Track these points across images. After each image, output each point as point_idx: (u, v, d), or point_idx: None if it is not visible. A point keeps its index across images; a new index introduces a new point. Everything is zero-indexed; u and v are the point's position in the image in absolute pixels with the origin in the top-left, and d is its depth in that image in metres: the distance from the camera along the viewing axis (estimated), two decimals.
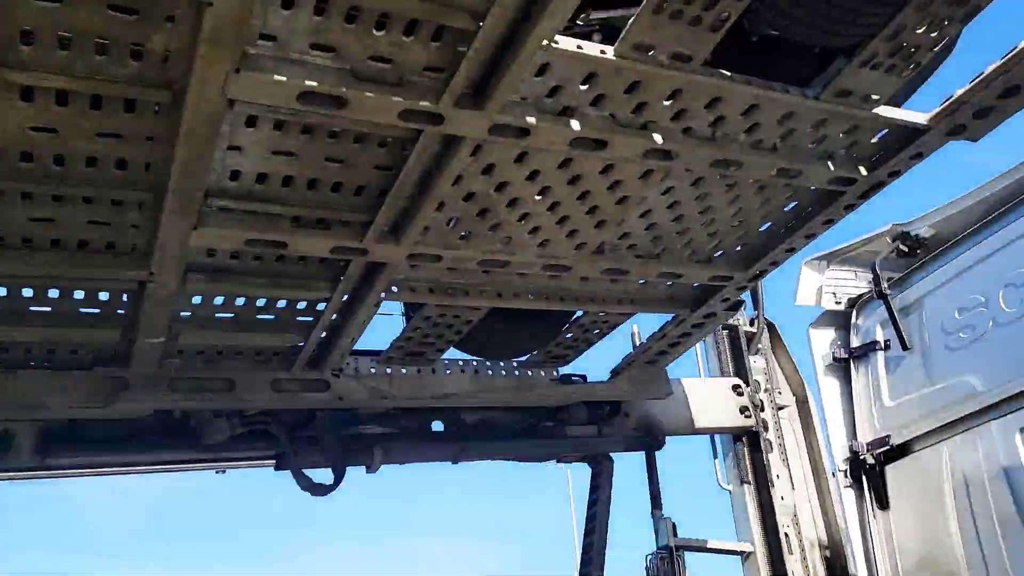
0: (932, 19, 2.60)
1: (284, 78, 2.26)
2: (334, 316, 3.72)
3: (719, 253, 3.94)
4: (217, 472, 4.59)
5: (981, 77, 2.89)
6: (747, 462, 5.59)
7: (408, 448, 4.62)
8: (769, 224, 3.75)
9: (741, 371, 5.73)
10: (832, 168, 3.25)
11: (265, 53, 2.25)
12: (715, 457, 5.73)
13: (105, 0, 2.00)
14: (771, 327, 5.91)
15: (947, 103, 3.02)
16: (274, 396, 3.99)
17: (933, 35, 2.68)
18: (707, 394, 5.49)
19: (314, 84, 2.30)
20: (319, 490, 4.11)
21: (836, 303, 5.67)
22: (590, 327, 4.45)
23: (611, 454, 5.26)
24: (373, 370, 4.34)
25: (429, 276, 3.65)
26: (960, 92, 2.97)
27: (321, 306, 3.66)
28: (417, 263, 3.37)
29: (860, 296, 5.68)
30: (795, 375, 5.90)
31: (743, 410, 5.54)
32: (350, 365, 4.28)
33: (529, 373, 4.78)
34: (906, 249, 5.37)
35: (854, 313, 5.71)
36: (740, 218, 3.64)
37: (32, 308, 3.20)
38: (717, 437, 5.74)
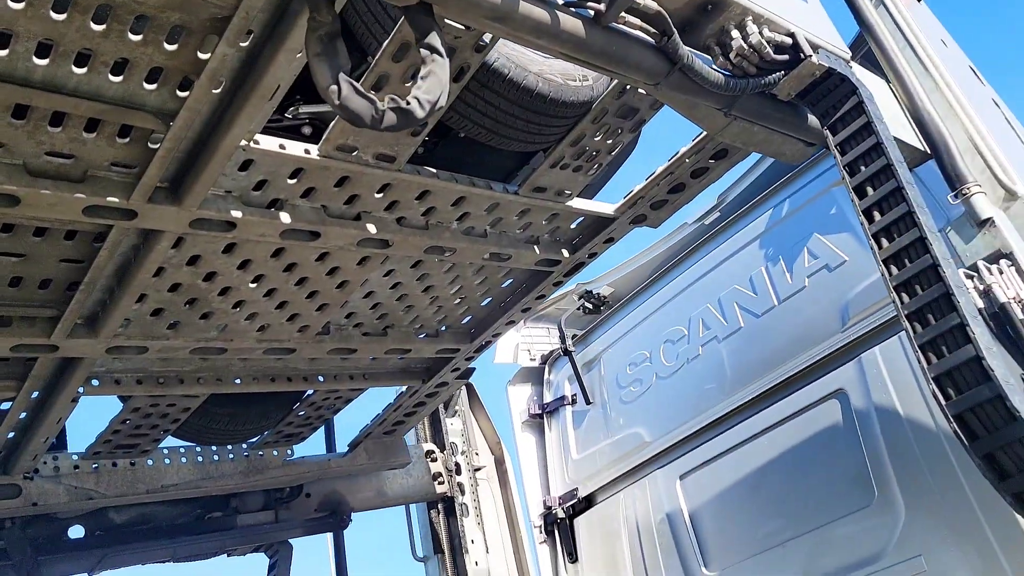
0: (607, 128, 2.97)
1: None
2: (22, 415, 3.32)
3: (444, 328, 4.10)
4: None
5: (652, 176, 3.32)
6: (442, 529, 5.45)
7: (26, 565, 3.86)
8: (489, 300, 3.98)
9: (438, 435, 5.58)
10: (538, 251, 3.53)
11: None
12: (410, 527, 5.51)
13: None
14: (469, 387, 5.79)
15: (628, 197, 3.43)
16: None
17: (609, 141, 3.05)
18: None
19: None
20: None
21: (531, 360, 5.82)
22: (322, 404, 4.39)
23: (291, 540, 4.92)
24: (77, 468, 3.91)
25: (135, 366, 3.40)
26: (637, 188, 3.39)
27: (6, 406, 3.25)
28: (119, 356, 3.12)
29: (551, 352, 5.88)
30: (492, 434, 5.82)
31: (436, 477, 5.41)
32: (47, 464, 3.82)
33: (261, 454, 4.59)
34: (590, 307, 5.73)
35: (546, 369, 5.89)
36: (462, 295, 3.82)
37: None
38: (413, 506, 5.52)
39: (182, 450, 4.31)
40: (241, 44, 2.02)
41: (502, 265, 3.58)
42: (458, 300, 3.86)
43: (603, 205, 3.50)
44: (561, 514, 5.42)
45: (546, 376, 5.89)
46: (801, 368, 4.18)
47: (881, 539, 3.67)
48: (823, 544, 3.90)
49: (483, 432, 5.80)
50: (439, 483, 5.44)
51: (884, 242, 2.39)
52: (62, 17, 1.84)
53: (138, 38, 1.96)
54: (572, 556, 5.34)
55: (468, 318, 4.11)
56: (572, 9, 2.03)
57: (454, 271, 3.60)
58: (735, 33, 2.32)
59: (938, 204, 3.27)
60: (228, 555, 4.80)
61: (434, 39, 1.57)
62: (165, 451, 4.23)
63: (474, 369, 4.74)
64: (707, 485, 4.58)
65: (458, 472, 5.57)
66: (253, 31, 2.01)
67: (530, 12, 1.92)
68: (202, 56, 2.06)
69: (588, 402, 5.44)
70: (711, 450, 4.58)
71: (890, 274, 2.35)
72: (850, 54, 2.69)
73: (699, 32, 2.35)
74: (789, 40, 2.42)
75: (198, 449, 4.35)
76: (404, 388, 4.59)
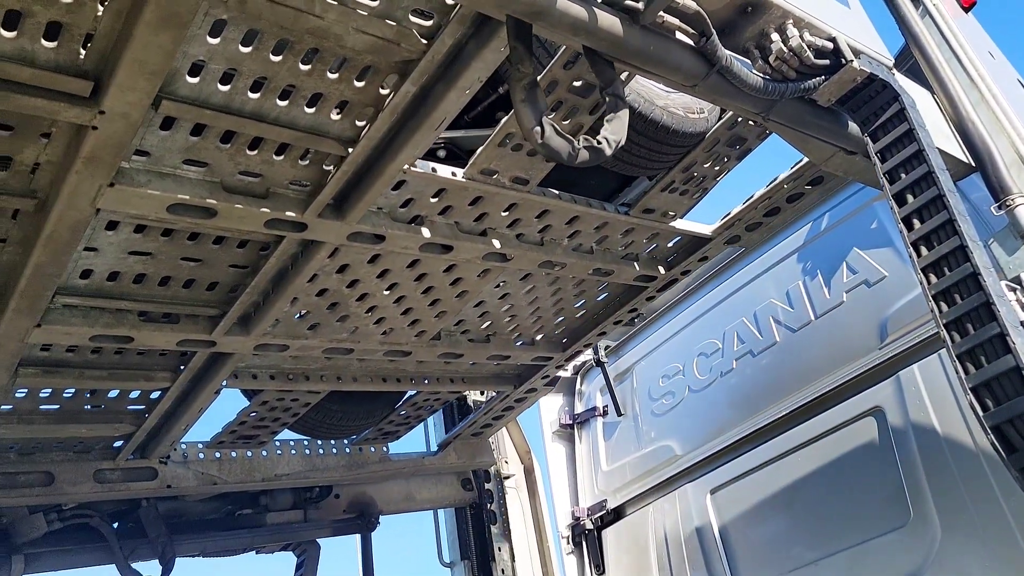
0: (716, 157, 3.21)
1: (156, 192, 2.36)
2: (168, 404, 3.67)
3: (540, 337, 4.36)
4: None
5: (751, 200, 3.55)
6: (469, 536, 5.45)
7: (65, 554, 4.03)
8: (584, 312, 4.24)
9: None
10: (638, 268, 3.78)
11: (139, 168, 2.34)
12: (437, 532, 5.54)
13: None
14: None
15: (725, 219, 3.66)
16: (97, 487, 3.81)
17: (716, 168, 3.30)
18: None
19: (186, 197, 2.42)
20: None
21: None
22: (422, 404, 4.69)
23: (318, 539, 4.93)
24: (202, 455, 4.27)
25: (271, 363, 3.73)
26: (735, 211, 3.62)
27: (156, 394, 3.61)
28: (262, 353, 3.46)
29: (584, 363, 5.79)
30: (522, 443, 5.81)
31: (465, 483, 5.45)
32: (177, 451, 4.18)
33: (360, 450, 4.90)
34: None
35: (578, 380, 5.84)
36: (560, 307, 4.09)
37: None
38: (441, 511, 5.57)
39: (291, 443, 4.65)
40: (420, 82, 2.32)
41: (603, 279, 3.84)
42: (556, 311, 4.13)
43: (701, 226, 3.74)
44: (589, 525, 5.37)
45: (578, 387, 5.85)
46: (837, 385, 4.08)
47: (916, 560, 3.57)
48: (857, 564, 3.81)
49: (513, 441, 5.82)
50: (468, 489, 5.49)
51: (923, 250, 2.32)
52: (278, 59, 2.16)
53: (335, 76, 2.27)
54: (599, 568, 5.28)
55: (562, 328, 4.37)
56: (610, 7, 1.96)
57: (557, 284, 3.86)
58: (775, 36, 2.26)
59: (981, 218, 3.22)
60: (257, 552, 4.81)
61: (618, 87, 1.84)
62: (277, 443, 4.56)
63: (559, 378, 5.00)
64: (738, 500, 4.51)
65: (487, 480, 5.61)
66: (429, 71, 2.31)
67: (567, 9, 1.88)
68: (383, 92, 2.37)
69: (620, 414, 5.41)
70: (743, 465, 4.51)
71: (929, 283, 2.27)
72: (892, 61, 2.65)
73: (738, 34, 2.30)
74: (830, 45, 2.37)
75: (305, 442, 4.68)
76: (495, 392, 4.87)
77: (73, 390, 3.34)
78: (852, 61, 2.38)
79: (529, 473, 5.76)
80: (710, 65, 2.13)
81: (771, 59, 2.27)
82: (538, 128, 1.72)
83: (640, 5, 1.96)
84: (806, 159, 3.23)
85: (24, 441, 3.60)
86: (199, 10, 1.89)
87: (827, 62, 2.37)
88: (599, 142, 1.77)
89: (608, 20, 1.96)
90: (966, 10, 3.50)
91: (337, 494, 4.96)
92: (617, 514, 5.32)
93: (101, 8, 1.86)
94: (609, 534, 5.33)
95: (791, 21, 2.28)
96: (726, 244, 3.81)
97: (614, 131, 1.79)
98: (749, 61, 2.31)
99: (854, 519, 3.88)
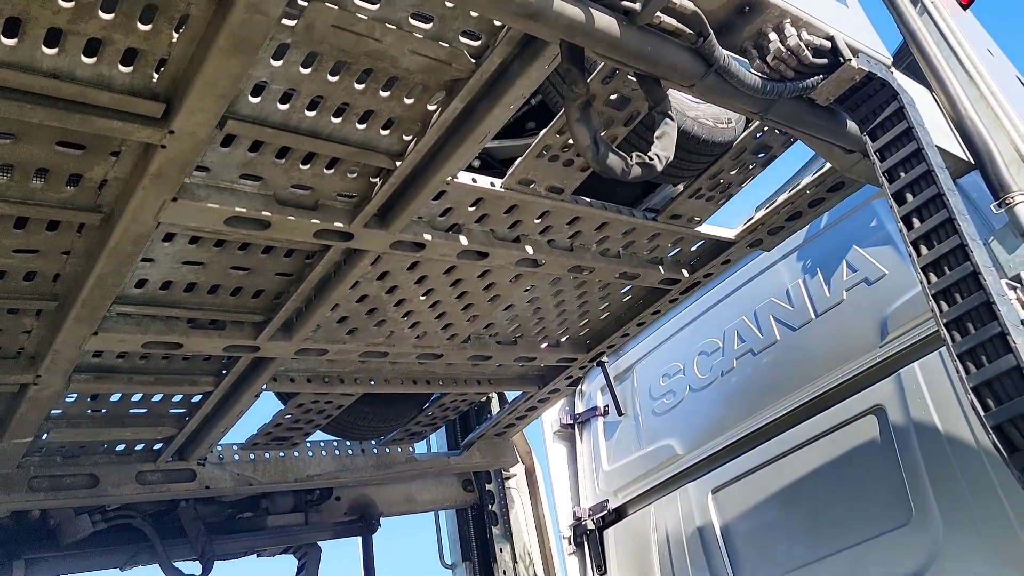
0: (742, 164, 3.32)
1: (216, 205, 2.47)
2: (210, 408, 3.78)
3: (565, 338, 4.47)
4: None
5: (774, 205, 3.65)
6: (470, 537, 5.47)
7: (109, 554, 4.10)
8: (609, 314, 4.34)
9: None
10: (662, 271, 3.89)
11: (199, 183, 2.45)
12: (439, 533, 5.57)
13: (56, 138, 2.13)
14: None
15: (749, 223, 3.76)
16: (139, 489, 3.93)
17: (741, 175, 3.40)
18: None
19: (242, 210, 2.52)
20: None
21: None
22: (448, 405, 4.80)
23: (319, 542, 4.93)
24: (237, 457, 4.38)
25: (308, 366, 3.84)
26: (758, 215, 3.72)
27: (197, 398, 3.72)
28: (302, 357, 3.56)
29: None
30: (523, 444, 5.77)
31: (466, 485, 5.46)
32: (214, 453, 4.29)
33: (387, 451, 5.01)
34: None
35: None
36: (586, 309, 4.20)
37: None
38: (442, 513, 5.59)
39: (322, 444, 4.76)
40: (467, 99, 2.43)
41: (629, 283, 3.94)
42: (581, 313, 4.23)
43: (725, 230, 3.84)
44: (591, 525, 5.39)
45: (578, 386, 5.82)
46: (838, 383, 4.09)
47: (919, 559, 3.58)
48: (859, 563, 3.82)
49: (514, 441, 5.74)
50: (468, 490, 5.51)
51: (923, 249, 2.31)
52: (335, 79, 2.27)
53: (386, 94, 2.37)
54: (601, 568, 5.29)
55: (587, 330, 4.47)
56: (607, 8, 1.97)
57: (583, 287, 3.97)
58: (773, 36, 2.26)
59: (981, 216, 3.25)
60: (258, 555, 4.80)
61: (666, 106, 1.94)
62: (308, 445, 4.67)
63: (582, 378, 5.10)
64: (740, 500, 4.53)
65: (488, 480, 5.61)
66: (475, 88, 2.42)
67: (563, 10, 1.88)
68: (430, 108, 2.47)
69: (620, 413, 5.41)
70: (744, 464, 4.53)
71: (929, 282, 2.27)
72: (891, 59, 2.64)
73: (736, 34, 2.29)
74: (828, 44, 2.36)
75: (335, 443, 4.79)
76: (519, 393, 4.98)
77: (120, 395, 3.45)
78: (850, 60, 2.38)
79: (530, 473, 5.79)
80: (708, 65, 2.12)
81: (769, 58, 2.27)
82: (593, 145, 1.82)
83: (637, 6, 1.96)
84: (828, 165, 3.34)
85: (71, 444, 3.71)
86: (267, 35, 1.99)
87: (825, 61, 2.37)
88: (650, 158, 1.87)
89: (605, 21, 1.97)
90: (964, 7, 3.51)
91: (338, 496, 4.97)
92: (619, 514, 5.38)
93: (176, 35, 1.96)
94: (610, 534, 5.36)
95: (789, 20, 2.28)
96: (749, 248, 3.91)
97: (664, 147, 1.89)
98: (747, 61, 2.31)
99: (856, 517, 3.89)
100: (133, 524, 4.01)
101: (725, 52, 2.17)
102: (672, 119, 1.93)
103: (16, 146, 2.11)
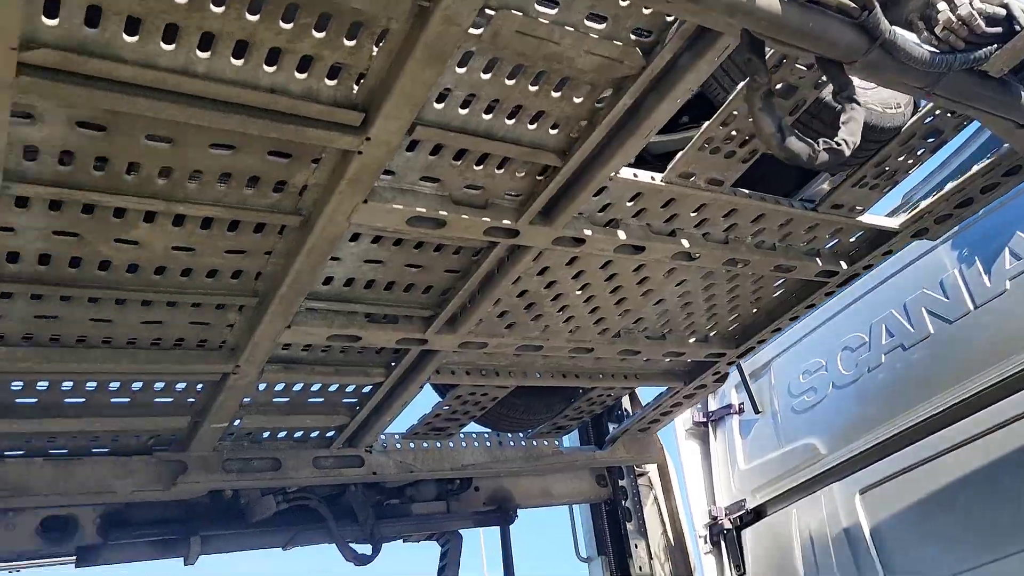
0: (910, 150, 3.22)
1: (400, 206, 2.66)
2: (380, 398, 4.04)
3: (714, 333, 4.45)
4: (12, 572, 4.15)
5: (942, 193, 3.52)
6: (605, 532, 5.47)
7: (231, 537, 4.32)
8: (759, 308, 4.29)
9: (600, 439, 5.59)
10: (819, 263, 3.81)
11: (385, 185, 2.65)
12: (573, 527, 5.59)
13: (268, 148, 2.37)
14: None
15: (914, 212, 3.63)
16: (315, 473, 4.24)
17: (910, 161, 3.30)
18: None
19: (423, 210, 2.71)
20: (362, 560, 4.36)
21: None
22: (596, 400, 4.88)
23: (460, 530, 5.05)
24: (399, 445, 4.63)
25: (467, 359, 4.02)
26: (925, 203, 3.59)
27: (367, 389, 3.98)
28: (463, 350, 3.74)
29: None
30: (656, 441, 5.67)
31: (600, 479, 5.47)
32: (380, 441, 4.57)
33: (535, 443, 5.15)
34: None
35: None
36: (736, 303, 4.17)
37: (114, 400, 3.42)
38: (576, 507, 5.61)
39: (474, 435, 4.96)
40: (635, 95, 2.50)
41: (784, 275, 3.89)
42: (731, 307, 4.21)
43: (887, 219, 3.72)
44: (728, 525, 5.33)
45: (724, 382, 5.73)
46: (999, 380, 3.92)
47: None
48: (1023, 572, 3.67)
49: None
50: (602, 485, 5.53)
51: None
52: (512, 82, 2.40)
53: (557, 95, 2.49)
54: (739, 568, 5.22)
55: (736, 324, 4.44)
56: None
57: (735, 280, 3.94)
58: (942, 5, 2.15)
59: None
60: (404, 541, 4.99)
61: (851, 91, 1.95)
62: (462, 436, 4.88)
63: (728, 374, 5.05)
64: (891, 501, 4.38)
65: (621, 476, 5.63)
66: (644, 84, 2.49)
67: None
68: (598, 106, 2.56)
69: (757, 411, 5.32)
70: (895, 464, 4.38)
71: None
72: None
73: (902, 5, 2.20)
74: (1003, 11, 2.22)
75: (487, 435, 4.98)
76: (665, 388, 4.99)
77: (302, 384, 3.75)
78: None
79: (663, 470, 5.78)
80: (872, 39, 2.02)
81: (938, 30, 2.16)
82: (778, 133, 1.85)
83: None
84: (1006, 147, 3.19)
85: (257, 430, 4.06)
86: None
87: (999, 29, 2.23)
88: (838, 144, 1.88)
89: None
90: None
91: (477, 487, 5.09)
92: (757, 514, 5.29)
93: (376, 49, 2.15)
94: (749, 534, 5.32)
95: None
96: (912, 237, 3.77)
97: (851, 132, 1.90)
98: (913, 34, 2.21)
99: (1020, 523, 3.73)
100: (309, 505, 4.33)
101: (890, 25, 2.07)
102: (859, 104, 1.93)
103: (234, 157, 2.36)
